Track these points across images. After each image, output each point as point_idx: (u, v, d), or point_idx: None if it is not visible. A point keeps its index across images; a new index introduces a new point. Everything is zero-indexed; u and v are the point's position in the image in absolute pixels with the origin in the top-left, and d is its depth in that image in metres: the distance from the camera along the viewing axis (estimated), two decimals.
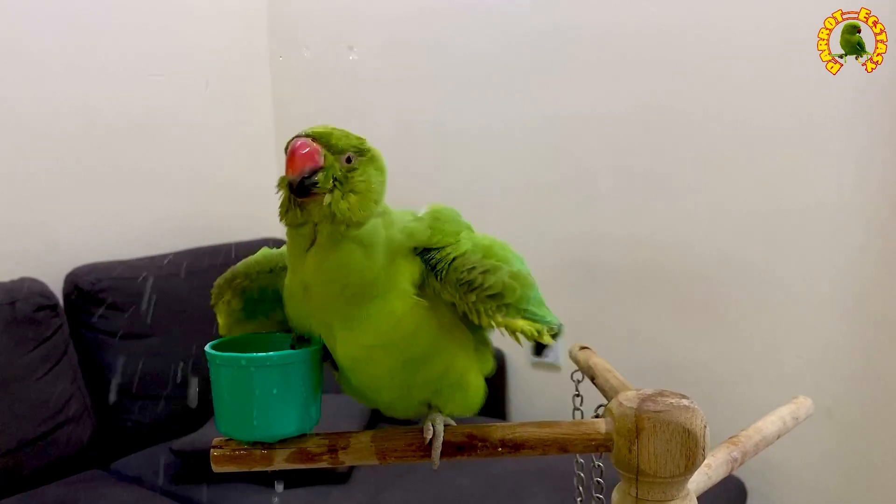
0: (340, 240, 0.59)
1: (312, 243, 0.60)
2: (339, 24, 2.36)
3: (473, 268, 0.62)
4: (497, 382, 2.14)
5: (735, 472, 1.87)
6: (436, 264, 0.63)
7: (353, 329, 0.62)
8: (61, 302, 1.84)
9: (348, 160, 0.61)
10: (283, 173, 0.61)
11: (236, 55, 2.44)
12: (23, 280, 1.77)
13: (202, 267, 2.02)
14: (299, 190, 0.59)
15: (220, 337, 0.68)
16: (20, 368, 1.67)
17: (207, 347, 0.62)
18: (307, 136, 0.60)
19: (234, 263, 0.71)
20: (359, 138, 0.63)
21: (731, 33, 1.73)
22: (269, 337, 0.68)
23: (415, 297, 0.62)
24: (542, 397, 2.11)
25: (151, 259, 2.02)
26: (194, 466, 1.71)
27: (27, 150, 1.92)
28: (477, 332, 0.69)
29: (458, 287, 0.62)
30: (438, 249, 0.64)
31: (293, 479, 1.65)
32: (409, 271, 0.63)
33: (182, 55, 2.26)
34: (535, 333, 0.63)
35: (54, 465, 1.71)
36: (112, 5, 2.08)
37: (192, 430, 1.78)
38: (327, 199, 0.59)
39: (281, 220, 0.61)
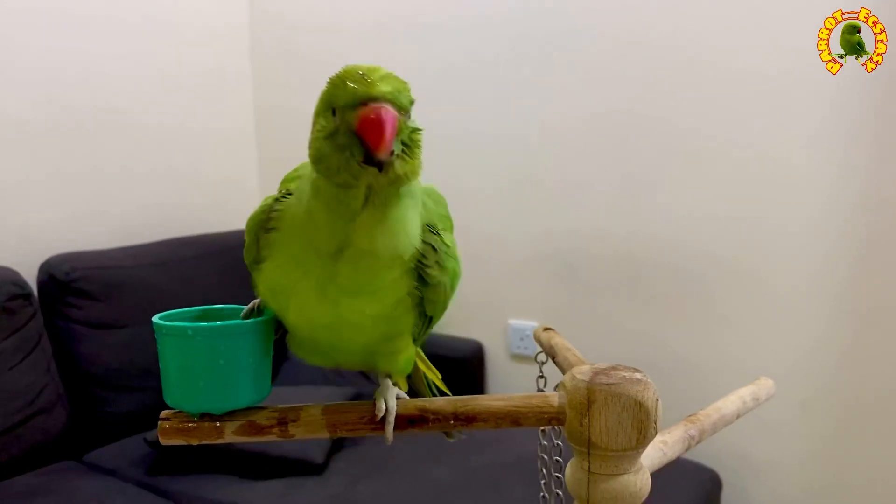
0: (395, 198, 0.56)
1: (364, 203, 0.55)
2: (322, 19, 2.36)
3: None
4: (476, 373, 2.13)
5: (710, 465, 1.86)
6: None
7: (355, 295, 0.58)
8: (35, 291, 1.82)
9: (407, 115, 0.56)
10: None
11: (216, 48, 2.42)
12: None
13: (178, 257, 2.01)
14: (381, 164, 0.53)
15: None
16: None
17: (155, 318, 0.61)
18: (387, 100, 0.53)
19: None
20: (405, 83, 0.56)
21: (725, 35, 1.73)
22: (223, 309, 0.67)
23: (412, 273, 0.60)
24: (520, 388, 2.10)
25: (127, 249, 2.00)
26: (169, 457, 1.70)
27: (1, 139, 1.90)
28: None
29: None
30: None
31: (267, 471, 1.64)
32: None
33: (160, 47, 2.24)
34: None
35: (27, 456, 1.69)
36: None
37: None
38: (399, 166, 0.54)
39: (332, 179, 0.55)
